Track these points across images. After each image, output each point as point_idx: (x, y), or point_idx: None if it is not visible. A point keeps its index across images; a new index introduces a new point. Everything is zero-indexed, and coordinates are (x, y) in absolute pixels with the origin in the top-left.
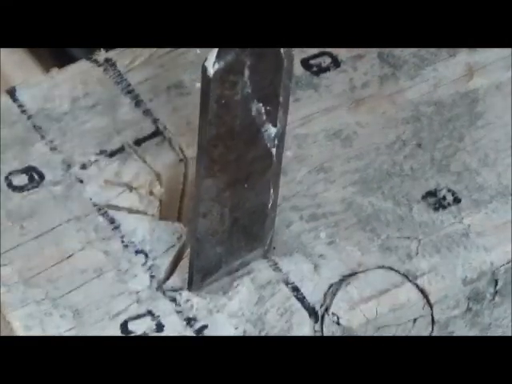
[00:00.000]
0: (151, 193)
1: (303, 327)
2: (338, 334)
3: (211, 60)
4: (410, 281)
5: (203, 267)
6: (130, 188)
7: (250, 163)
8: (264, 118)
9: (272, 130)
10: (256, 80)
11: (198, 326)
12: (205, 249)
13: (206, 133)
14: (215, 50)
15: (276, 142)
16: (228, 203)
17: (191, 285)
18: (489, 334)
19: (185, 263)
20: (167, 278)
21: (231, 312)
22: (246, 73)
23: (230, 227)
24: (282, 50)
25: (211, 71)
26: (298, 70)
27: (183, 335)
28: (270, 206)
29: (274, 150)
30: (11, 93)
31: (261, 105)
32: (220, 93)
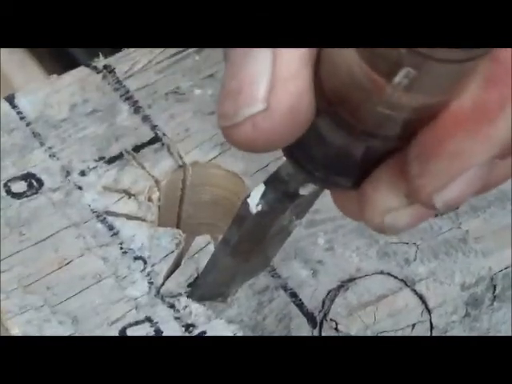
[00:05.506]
0: (150, 199)
1: (302, 333)
2: None
3: (255, 199)
4: (409, 286)
5: (202, 295)
6: (129, 194)
7: (268, 243)
8: (294, 218)
9: (297, 222)
10: (295, 210)
11: (196, 332)
12: (206, 289)
13: (234, 239)
14: (260, 189)
15: (296, 223)
16: (238, 271)
17: (192, 297)
18: None
19: (183, 269)
20: (164, 284)
21: (230, 318)
22: (288, 211)
23: (234, 276)
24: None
25: (253, 210)
26: None
27: (179, 335)
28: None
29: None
30: (10, 99)
31: (294, 216)
32: (258, 222)
